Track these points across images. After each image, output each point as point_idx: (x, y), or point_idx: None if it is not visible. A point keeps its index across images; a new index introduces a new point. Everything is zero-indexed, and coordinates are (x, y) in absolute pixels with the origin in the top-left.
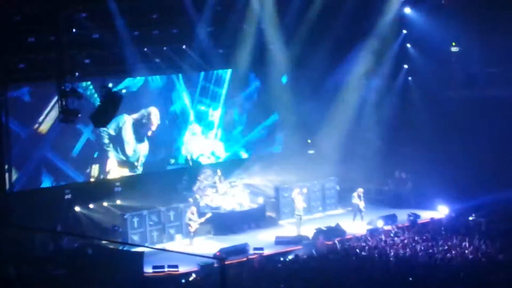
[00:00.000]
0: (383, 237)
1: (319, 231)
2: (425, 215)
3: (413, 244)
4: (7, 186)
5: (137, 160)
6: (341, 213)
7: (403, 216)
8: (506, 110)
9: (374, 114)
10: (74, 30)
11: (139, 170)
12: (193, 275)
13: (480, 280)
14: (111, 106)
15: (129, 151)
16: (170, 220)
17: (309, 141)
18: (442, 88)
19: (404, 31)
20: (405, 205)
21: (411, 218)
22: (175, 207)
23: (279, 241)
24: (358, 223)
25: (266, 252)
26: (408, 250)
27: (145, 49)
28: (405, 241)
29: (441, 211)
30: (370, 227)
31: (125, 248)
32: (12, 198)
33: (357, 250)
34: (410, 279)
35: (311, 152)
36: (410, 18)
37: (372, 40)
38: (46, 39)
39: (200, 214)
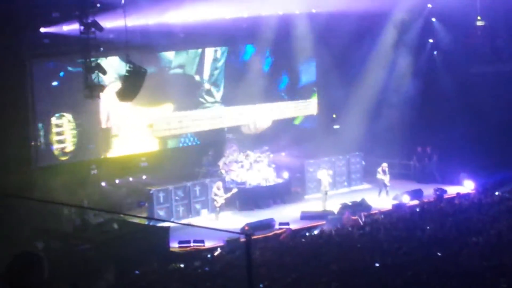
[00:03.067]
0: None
1: (344, 206)
2: (451, 190)
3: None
4: (33, 161)
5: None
6: (366, 188)
7: (428, 191)
8: None
9: (399, 89)
10: (98, 5)
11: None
12: (219, 250)
13: None
14: (135, 81)
15: None
16: (196, 195)
17: (334, 116)
18: (467, 62)
19: (429, 5)
20: (431, 180)
21: (438, 193)
22: (201, 182)
23: (305, 216)
24: (383, 198)
25: (292, 227)
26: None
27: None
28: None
29: (467, 186)
30: (395, 202)
31: (151, 223)
32: (38, 173)
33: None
34: (439, 254)
35: (336, 127)
36: None
37: (397, 14)
38: (71, 14)
39: (226, 189)
